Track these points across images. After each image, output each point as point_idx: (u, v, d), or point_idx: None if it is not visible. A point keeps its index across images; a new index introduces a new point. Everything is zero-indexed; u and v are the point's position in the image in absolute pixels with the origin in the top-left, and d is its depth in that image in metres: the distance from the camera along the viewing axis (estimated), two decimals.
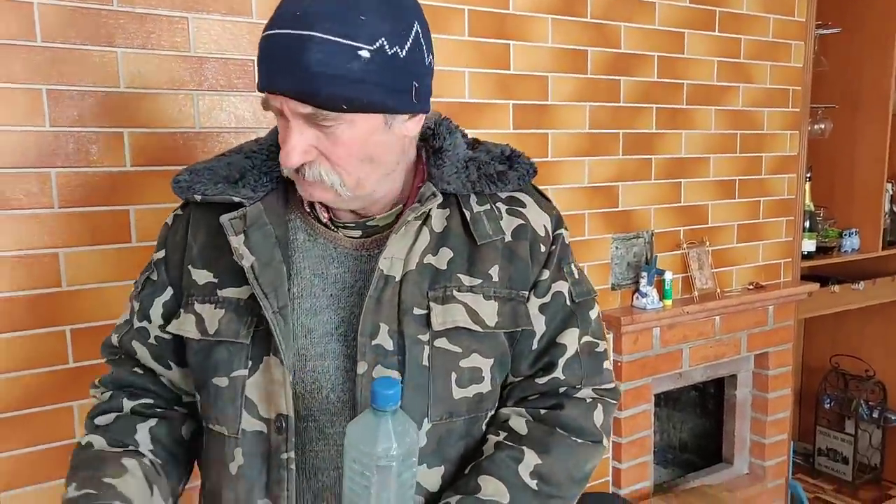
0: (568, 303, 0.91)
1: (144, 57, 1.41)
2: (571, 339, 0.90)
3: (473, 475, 0.84)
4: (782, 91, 2.48)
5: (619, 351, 2.15)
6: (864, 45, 2.86)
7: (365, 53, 0.74)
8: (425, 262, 0.85)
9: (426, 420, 0.83)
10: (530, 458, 0.85)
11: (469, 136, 0.95)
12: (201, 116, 1.49)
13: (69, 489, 0.82)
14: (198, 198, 0.88)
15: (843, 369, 3.30)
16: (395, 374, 0.82)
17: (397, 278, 0.83)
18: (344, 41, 0.74)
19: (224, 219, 0.85)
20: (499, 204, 0.90)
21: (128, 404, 0.93)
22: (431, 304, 0.84)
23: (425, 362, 0.83)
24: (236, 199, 0.86)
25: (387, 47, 0.76)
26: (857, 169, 2.94)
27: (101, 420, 0.92)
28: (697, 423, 2.76)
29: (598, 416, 0.91)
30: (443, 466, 0.86)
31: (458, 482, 0.85)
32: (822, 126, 2.85)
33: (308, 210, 0.88)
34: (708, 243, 2.33)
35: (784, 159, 2.53)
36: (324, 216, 0.87)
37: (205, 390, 0.88)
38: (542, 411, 0.89)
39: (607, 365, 0.94)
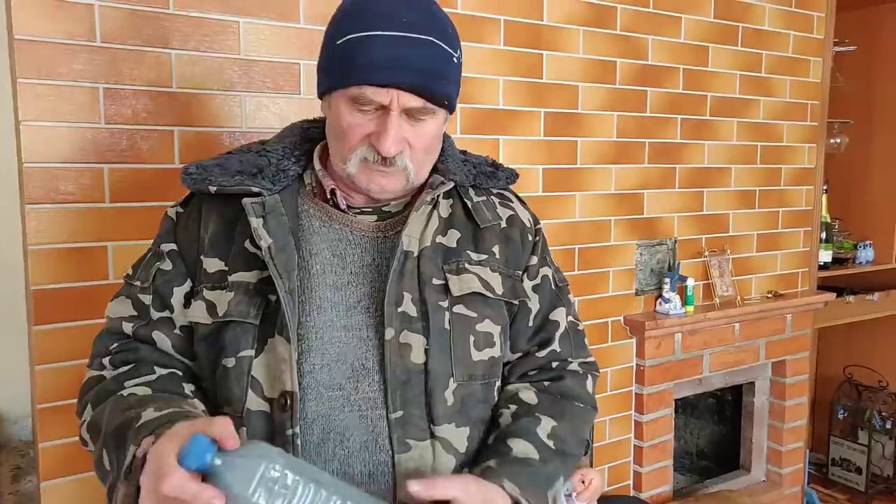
0: (553, 287, 1.05)
1: (197, 58, 1.46)
2: (561, 317, 1.04)
3: (500, 441, 0.93)
4: (801, 105, 2.53)
5: (641, 355, 2.18)
6: (879, 63, 2.92)
7: (455, 60, 0.91)
8: (437, 241, 0.95)
9: (451, 380, 0.91)
10: (546, 423, 0.95)
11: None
12: (248, 117, 1.53)
13: (145, 413, 0.81)
14: (213, 189, 0.93)
15: (856, 380, 3.33)
16: (421, 339, 0.90)
17: (415, 253, 0.93)
18: (446, 47, 0.89)
19: (246, 201, 0.91)
20: (492, 197, 1.04)
21: (160, 370, 0.93)
22: (448, 275, 0.94)
23: (447, 326, 0.92)
24: (255, 189, 0.92)
25: (460, 55, 0.93)
26: (871, 182, 3.00)
27: (137, 381, 0.90)
28: (714, 430, 2.78)
29: (590, 385, 1.05)
30: (468, 427, 0.93)
31: (488, 449, 0.93)
32: (838, 140, 2.91)
33: (328, 198, 0.95)
34: (729, 251, 2.37)
35: (802, 171, 2.58)
36: (343, 203, 0.95)
37: (212, 373, 0.91)
38: (546, 383, 1.01)
39: (587, 342, 1.09)
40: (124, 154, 1.41)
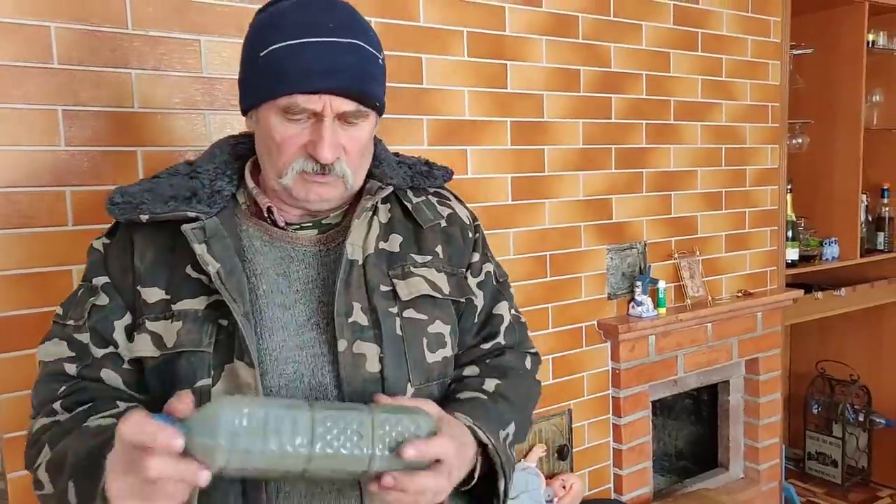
0: (495, 282, 1.06)
1: (157, 78, 1.45)
2: (505, 310, 1.06)
3: (448, 400, 0.94)
4: (762, 107, 2.58)
5: (616, 359, 2.20)
6: (836, 64, 2.99)
7: (380, 62, 0.92)
8: (380, 247, 0.95)
9: (409, 385, 0.91)
10: (489, 382, 0.98)
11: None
12: (212, 135, 1.52)
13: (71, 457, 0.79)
14: (144, 218, 0.90)
15: (829, 375, 3.38)
16: (374, 348, 0.89)
17: (360, 261, 0.92)
18: (371, 49, 0.90)
19: (186, 228, 0.88)
20: (429, 197, 1.04)
21: (122, 405, 0.88)
22: (394, 280, 0.93)
23: (398, 331, 0.91)
24: (191, 215, 0.89)
25: (384, 57, 0.94)
26: (834, 180, 3.06)
27: (101, 415, 0.85)
28: (692, 430, 2.81)
29: (529, 362, 1.07)
30: None
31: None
32: (800, 140, 2.97)
33: (265, 217, 0.94)
34: (698, 253, 2.41)
35: (766, 172, 2.62)
36: (281, 221, 0.94)
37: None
38: (488, 360, 1.03)
39: (529, 334, 1.12)
40: (86, 176, 1.40)
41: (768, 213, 2.65)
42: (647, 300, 2.21)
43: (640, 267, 2.28)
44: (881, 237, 3.18)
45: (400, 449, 0.74)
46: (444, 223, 1.02)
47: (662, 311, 2.25)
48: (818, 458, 3.41)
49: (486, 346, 1.04)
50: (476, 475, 0.87)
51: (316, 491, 0.86)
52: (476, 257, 1.04)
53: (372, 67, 0.89)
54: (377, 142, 1.01)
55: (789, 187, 2.79)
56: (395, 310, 0.92)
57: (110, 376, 0.89)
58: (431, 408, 0.84)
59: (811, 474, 3.41)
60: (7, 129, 1.32)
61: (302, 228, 0.95)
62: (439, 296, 0.96)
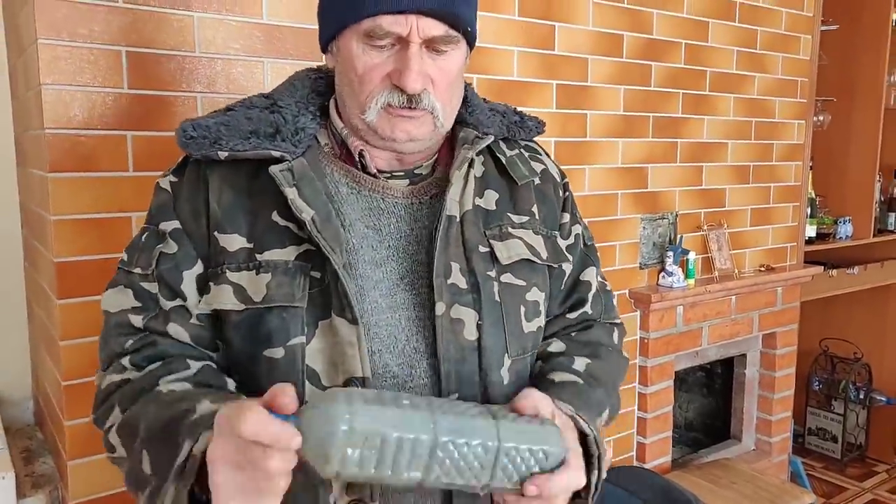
0: (583, 245, 0.98)
1: (218, 22, 1.41)
2: (592, 277, 0.98)
3: (540, 378, 0.88)
4: (791, 82, 2.59)
5: (645, 328, 2.22)
6: (860, 42, 3.00)
7: None
8: (476, 203, 0.88)
9: (506, 356, 0.85)
10: (580, 361, 0.91)
11: None
12: (271, 84, 1.48)
13: (200, 406, 0.71)
14: (223, 154, 0.81)
15: (832, 352, 3.45)
16: (472, 314, 0.83)
17: (458, 218, 0.85)
18: None
19: (274, 169, 0.80)
20: (522, 150, 0.96)
21: (195, 364, 0.81)
22: (491, 241, 0.87)
23: (497, 297, 0.85)
24: (277, 154, 0.81)
25: None
26: (851, 160, 3.09)
27: (173, 377, 0.79)
28: (703, 403, 2.85)
29: (617, 337, 1.00)
30: None
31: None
32: (821, 118, 2.98)
33: (353, 162, 0.86)
34: (726, 225, 2.42)
35: (791, 147, 2.64)
36: (373, 167, 0.86)
37: (253, 366, 0.81)
38: (574, 333, 0.96)
39: (615, 303, 1.04)
40: (147, 120, 1.35)
41: (791, 188, 2.67)
42: (678, 271, 2.23)
43: (670, 237, 2.29)
44: (892, 217, 3.24)
45: (524, 486, 0.70)
46: (537, 180, 0.94)
47: (691, 282, 2.27)
48: (818, 434, 3.48)
49: (573, 315, 0.96)
50: None
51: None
52: (566, 218, 0.96)
53: None
54: (466, 85, 0.93)
55: (811, 164, 2.81)
56: (493, 273, 0.85)
57: (177, 331, 0.82)
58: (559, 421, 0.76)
59: (810, 449, 3.49)
60: (72, 67, 1.27)
61: (393, 177, 0.87)
62: (538, 261, 0.89)
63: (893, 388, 3.38)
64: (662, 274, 2.24)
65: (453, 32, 0.80)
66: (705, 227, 2.36)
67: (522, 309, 0.87)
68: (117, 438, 0.77)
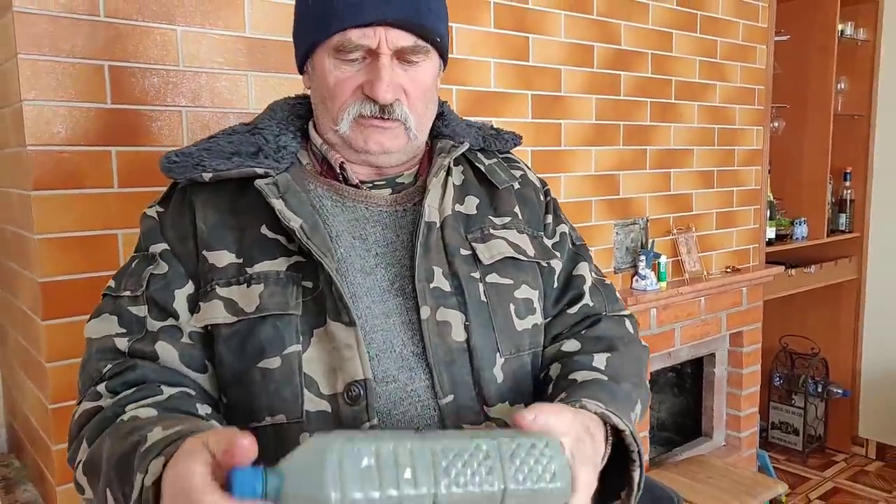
0: (571, 244, 0.99)
1: (202, 36, 1.40)
2: (585, 271, 0.97)
3: (562, 379, 0.85)
4: (749, 90, 2.69)
5: None
6: (810, 52, 3.14)
7: None
8: (456, 210, 0.90)
9: (498, 355, 0.85)
10: (599, 357, 0.87)
11: None
12: (255, 97, 1.48)
13: (151, 434, 0.66)
14: (207, 176, 0.83)
15: (791, 349, 3.57)
16: (459, 315, 0.83)
17: (437, 224, 0.87)
18: None
19: (260, 183, 0.82)
20: (500, 160, 0.99)
21: (169, 390, 0.78)
22: (473, 244, 0.88)
23: (483, 298, 0.85)
24: (260, 171, 0.83)
25: None
26: (804, 164, 3.22)
27: (140, 403, 0.75)
28: (674, 402, 2.92)
29: (630, 325, 0.98)
30: (523, 404, 0.85)
31: (554, 391, 0.84)
32: (776, 124, 3.11)
33: (335, 176, 0.88)
34: (694, 229, 2.49)
35: (751, 153, 2.74)
36: (355, 179, 0.88)
37: (246, 380, 0.79)
38: (584, 331, 0.93)
39: (618, 296, 1.02)
40: (132, 135, 1.33)
41: (752, 192, 2.77)
42: (651, 274, 2.28)
43: (641, 242, 2.35)
44: (843, 218, 3.38)
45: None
46: (517, 185, 0.97)
47: (663, 284, 2.33)
48: (781, 428, 3.60)
49: (573, 309, 0.95)
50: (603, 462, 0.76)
51: None
52: (549, 219, 0.98)
53: (430, 0, 0.83)
54: (443, 102, 0.96)
55: (769, 169, 2.92)
56: (477, 275, 0.86)
57: (166, 350, 0.80)
58: (560, 424, 0.68)
59: (774, 442, 3.60)
60: (53, 82, 1.24)
61: (375, 187, 0.89)
62: (524, 258, 0.90)
63: (848, 380, 3.52)
64: (636, 277, 2.30)
65: (422, 43, 0.83)
66: (675, 232, 2.43)
67: (512, 307, 0.87)
68: (83, 478, 0.73)
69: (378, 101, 0.81)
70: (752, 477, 2.26)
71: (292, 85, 1.52)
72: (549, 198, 1.01)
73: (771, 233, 2.95)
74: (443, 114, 0.96)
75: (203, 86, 1.41)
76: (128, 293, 0.83)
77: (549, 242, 0.97)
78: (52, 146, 1.25)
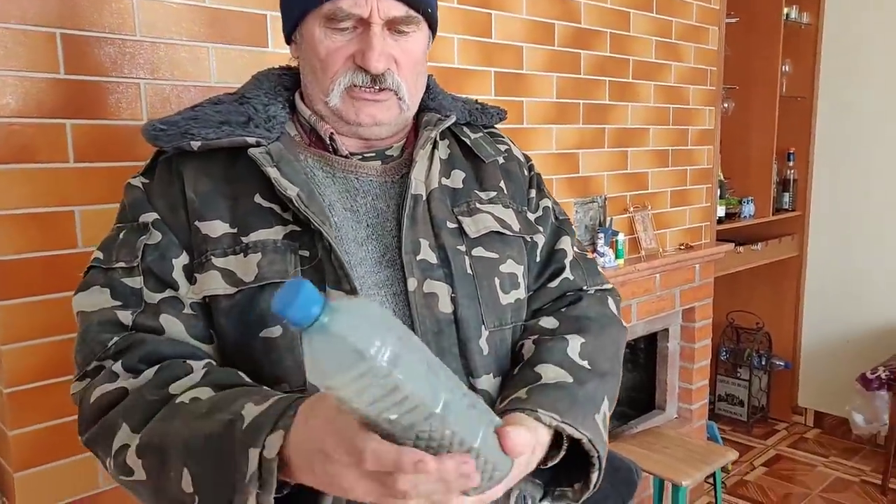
0: (554, 218, 1.00)
1: (159, 4, 1.34)
2: (567, 245, 0.98)
3: (528, 368, 0.84)
4: (702, 70, 2.74)
5: None
6: (757, 35, 3.22)
7: None
8: (443, 183, 0.90)
9: (483, 328, 0.85)
10: (574, 342, 0.87)
11: None
12: (217, 71, 1.43)
13: (245, 410, 0.66)
14: (196, 144, 0.81)
15: (737, 324, 3.70)
16: (445, 287, 0.83)
17: (424, 196, 0.87)
18: None
19: (254, 151, 0.81)
20: (485, 134, 1.00)
21: (197, 363, 0.77)
22: (459, 217, 0.89)
23: (468, 270, 0.86)
24: (251, 140, 0.82)
25: None
26: (752, 144, 3.32)
27: (183, 382, 0.74)
28: (629, 377, 2.99)
29: (612, 305, 0.98)
30: (501, 377, 0.87)
31: (515, 378, 0.84)
32: (726, 105, 3.18)
33: (325, 147, 0.87)
34: (650, 207, 2.55)
35: (704, 132, 2.80)
36: (345, 150, 0.87)
37: (248, 351, 0.79)
38: (564, 308, 0.94)
39: (600, 270, 1.03)
40: (88, 108, 1.27)
41: (704, 171, 2.84)
42: (609, 251, 2.32)
43: (600, 220, 2.38)
44: (786, 197, 3.50)
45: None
46: (502, 160, 0.97)
47: (621, 262, 2.38)
48: (727, 400, 3.74)
49: (553, 283, 0.96)
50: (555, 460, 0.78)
51: None
52: (532, 194, 0.99)
53: None
54: (429, 75, 0.95)
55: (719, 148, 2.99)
56: (463, 248, 0.87)
57: (171, 323, 0.78)
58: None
59: (720, 414, 3.74)
60: (2, 51, 1.17)
61: (365, 159, 0.89)
62: (509, 233, 0.91)
63: (789, 353, 3.67)
64: (595, 255, 2.33)
65: (413, 13, 0.83)
66: (631, 210, 2.48)
67: (497, 281, 0.88)
68: (137, 460, 0.71)
69: (370, 70, 0.81)
70: (705, 446, 2.35)
71: (254, 58, 1.48)
72: (532, 172, 1.02)
73: (721, 211, 3.03)
74: (429, 87, 0.95)
75: (162, 57, 1.35)
76: (122, 264, 0.80)
77: (532, 217, 0.97)
78: (1, 118, 1.18)
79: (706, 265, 2.80)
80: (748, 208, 3.26)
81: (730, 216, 3.17)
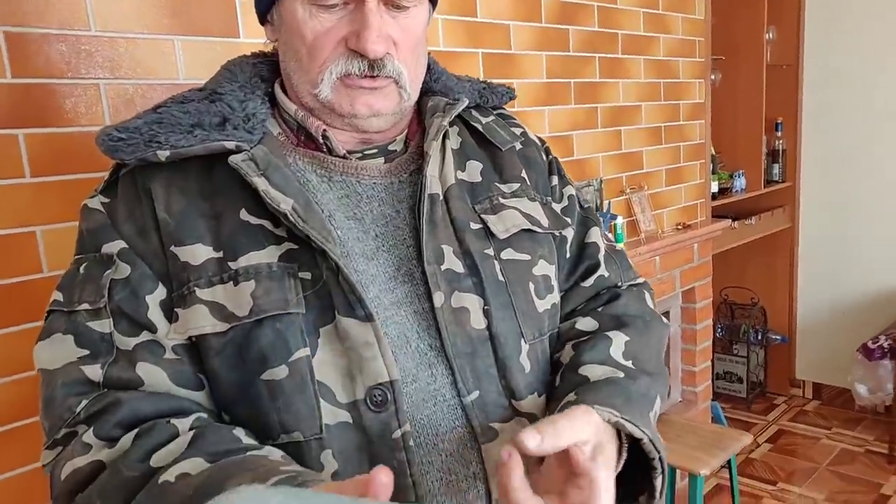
0: (579, 207, 0.90)
1: None
2: (598, 237, 0.88)
3: (571, 372, 0.75)
4: (690, 42, 2.65)
5: None
6: (741, 4, 3.13)
7: None
8: (459, 178, 0.79)
9: (523, 341, 0.75)
10: (617, 340, 0.78)
11: None
12: (186, 66, 1.29)
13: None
14: (164, 154, 0.68)
15: (731, 300, 3.65)
16: (476, 300, 0.73)
17: (441, 196, 0.76)
18: None
19: (236, 159, 0.68)
20: (496, 117, 0.88)
21: (182, 423, 0.64)
22: (483, 216, 0.77)
23: (500, 277, 0.75)
24: (230, 145, 0.69)
25: None
26: (740, 116, 3.24)
27: (164, 451, 0.62)
28: None
29: (649, 300, 0.89)
30: (546, 395, 0.77)
31: (562, 384, 0.75)
32: (713, 77, 3.09)
33: (320, 143, 0.75)
34: (646, 188, 2.45)
35: (695, 106, 2.71)
36: (342, 149, 0.75)
37: (250, 396, 0.67)
38: (601, 308, 0.84)
39: (631, 262, 0.93)
40: (42, 114, 1.13)
41: (697, 146, 2.75)
42: (609, 236, 2.22)
43: (597, 203, 2.28)
44: (776, 168, 3.44)
45: None
46: (519, 145, 0.85)
47: (622, 245, 2.28)
48: (725, 377, 3.69)
49: (588, 282, 0.85)
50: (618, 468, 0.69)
51: (451, 479, 0.71)
52: (555, 181, 0.87)
53: None
54: (428, 54, 0.82)
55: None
56: (491, 251, 0.75)
57: (150, 374, 0.66)
58: (574, 434, 0.61)
59: (720, 392, 3.69)
60: None
61: (365, 157, 0.76)
62: (539, 230, 0.79)
63: (785, 326, 3.63)
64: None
65: None
66: (628, 191, 2.38)
67: (532, 286, 0.77)
68: None
69: (367, 55, 0.68)
70: (716, 430, 2.27)
71: (226, 49, 1.34)
72: (550, 156, 0.90)
73: (714, 187, 2.95)
74: (429, 67, 0.82)
75: (122, 54, 1.21)
76: (86, 306, 0.67)
77: (557, 207, 0.85)
78: None
79: (704, 244, 2.72)
80: (739, 182, 3.18)
81: (722, 191, 3.09)
